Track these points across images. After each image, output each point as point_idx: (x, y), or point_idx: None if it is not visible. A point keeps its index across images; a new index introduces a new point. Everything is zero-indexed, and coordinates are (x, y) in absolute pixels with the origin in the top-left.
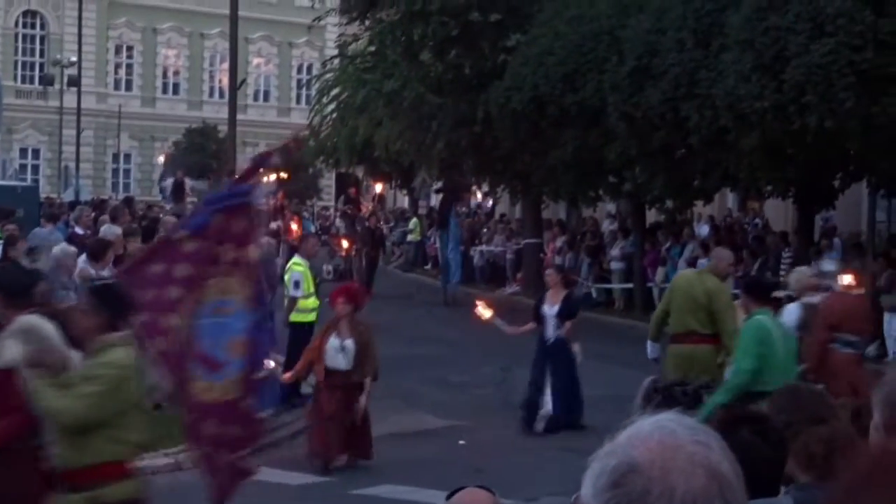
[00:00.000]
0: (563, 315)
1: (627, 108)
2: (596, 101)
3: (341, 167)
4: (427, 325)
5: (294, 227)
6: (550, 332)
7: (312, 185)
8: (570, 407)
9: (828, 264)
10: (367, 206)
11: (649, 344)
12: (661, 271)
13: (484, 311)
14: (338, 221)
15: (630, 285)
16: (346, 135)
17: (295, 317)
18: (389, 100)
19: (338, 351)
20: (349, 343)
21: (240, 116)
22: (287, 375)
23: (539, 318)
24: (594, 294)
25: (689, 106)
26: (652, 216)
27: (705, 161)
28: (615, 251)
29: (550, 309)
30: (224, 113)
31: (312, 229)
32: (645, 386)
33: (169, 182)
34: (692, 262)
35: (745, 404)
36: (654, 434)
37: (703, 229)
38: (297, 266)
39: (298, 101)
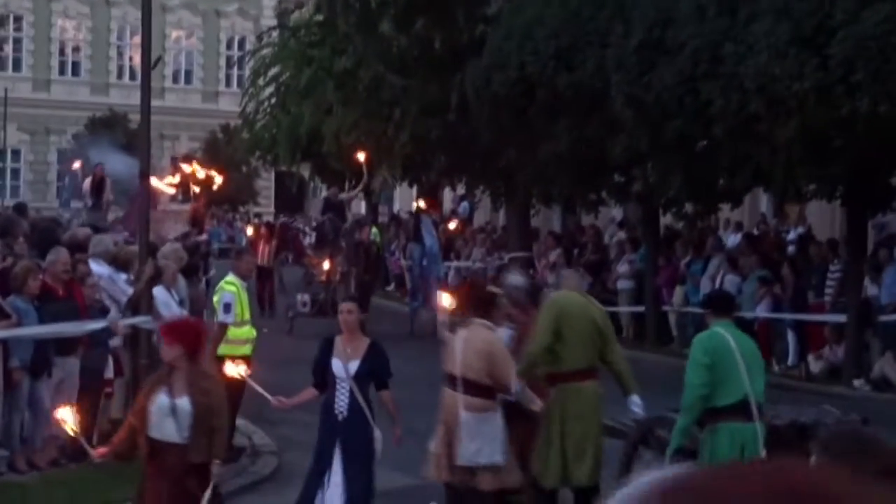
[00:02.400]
0: (366, 378)
1: (635, 91)
2: (597, 83)
3: (281, 165)
4: (307, 342)
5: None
6: (343, 402)
7: (247, 188)
8: None
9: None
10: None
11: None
12: (678, 291)
13: (233, 370)
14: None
15: (640, 308)
16: (288, 125)
17: (225, 349)
18: (341, 81)
19: (165, 414)
20: (183, 404)
21: (155, 103)
22: (99, 451)
23: (324, 381)
24: None
25: (711, 88)
26: (667, 223)
27: (732, 156)
28: (622, 267)
29: (345, 367)
30: (136, 98)
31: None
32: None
33: (86, 183)
34: (717, 280)
35: (710, 420)
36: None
37: (731, 239)
38: (230, 286)
39: (228, 83)
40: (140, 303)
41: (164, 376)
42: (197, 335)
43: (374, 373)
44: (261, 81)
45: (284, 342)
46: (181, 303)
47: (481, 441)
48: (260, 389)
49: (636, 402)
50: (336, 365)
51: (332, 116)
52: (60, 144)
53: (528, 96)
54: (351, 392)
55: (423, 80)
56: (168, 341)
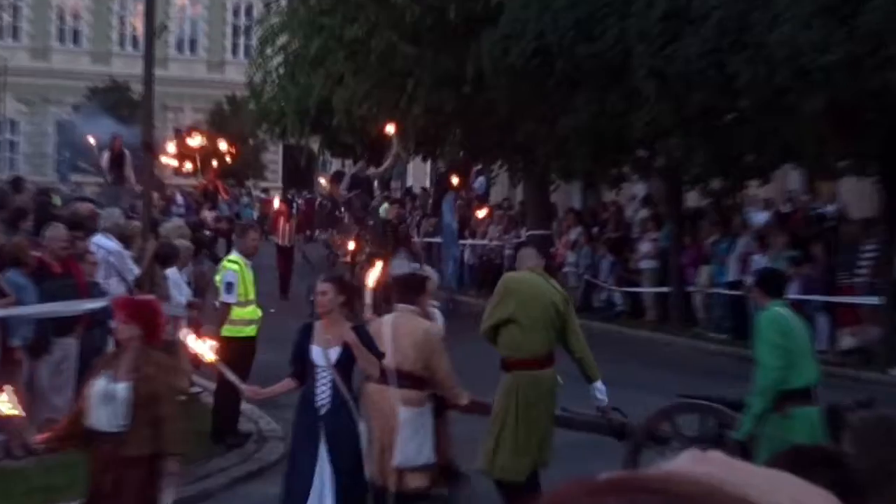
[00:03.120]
0: (349, 366)
1: (658, 63)
2: (618, 54)
3: (290, 138)
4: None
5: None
6: (325, 393)
7: (253, 162)
8: None
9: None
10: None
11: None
12: (704, 271)
13: (203, 350)
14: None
15: (664, 289)
16: (297, 96)
17: (228, 330)
18: (352, 51)
19: (101, 400)
20: (120, 389)
21: (159, 72)
22: (38, 438)
23: (303, 370)
24: (618, 301)
25: (737, 59)
26: (692, 200)
27: (759, 130)
28: (645, 246)
29: (325, 354)
30: (138, 68)
31: (254, 216)
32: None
33: (104, 157)
34: (745, 260)
35: (783, 405)
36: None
37: (759, 217)
38: (232, 264)
39: (234, 52)
40: (143, 282)
41: (112, 358)
42: (154, 315)
43: (353, 360)
44: (269, 51)
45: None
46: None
47: (420, 439)
48: (232, 377)
49: (600, 389)
50: (315, 352)
51: (342, 87)
52: (60, 116)
53: (546, 68)
54: (333, 382)
55: (437, 49)
56: (124, 319)
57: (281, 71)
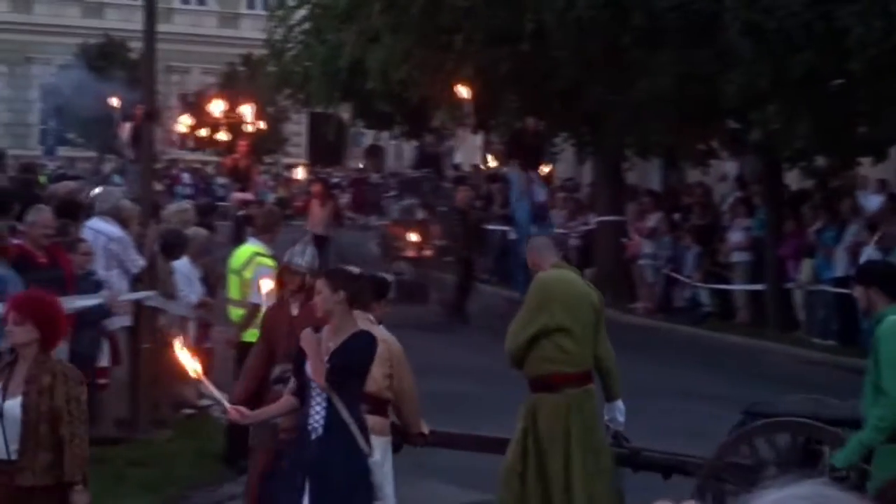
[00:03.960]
0: (345, 379)
1: (755, 16)
2: (707, 5)
3: (316, 105)
4: (447, 348)
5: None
6: (318, 414)
7: (273, 133)
8: None
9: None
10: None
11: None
12: (807, 265)
13: (187, 363)
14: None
15: (759, 287)
16: (324, 56)
17: (252, 335)
18: (390, 3)
19: None
20: (11, 407)
21: (162, 27)
22: None
23: (302, 387)
24: (705, 301)
25: (847, 12)
26: (794, 181)
27: (874, 97)
28: (736, 235)
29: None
30: (137, 22)
31: (270, 198)
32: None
33: (125, 129)
34: (855, 251)
35: None
36: None
37: (872, 201)
38: (264, 258)
39: (251, 4)
40: (146, 275)
41: (2, 368)
42: (56, 315)
43: (349, 369)
44: (291, 2)
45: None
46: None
47: (384, 474)
48: (216, 394)
49: (621, 410)
50: (311, 365)
51: (378, 46)
52: (44, 78)
53: (620, 21)
54: (328, 401)
55: (490, 0)
56: (19, 319)
57: (305, 26)
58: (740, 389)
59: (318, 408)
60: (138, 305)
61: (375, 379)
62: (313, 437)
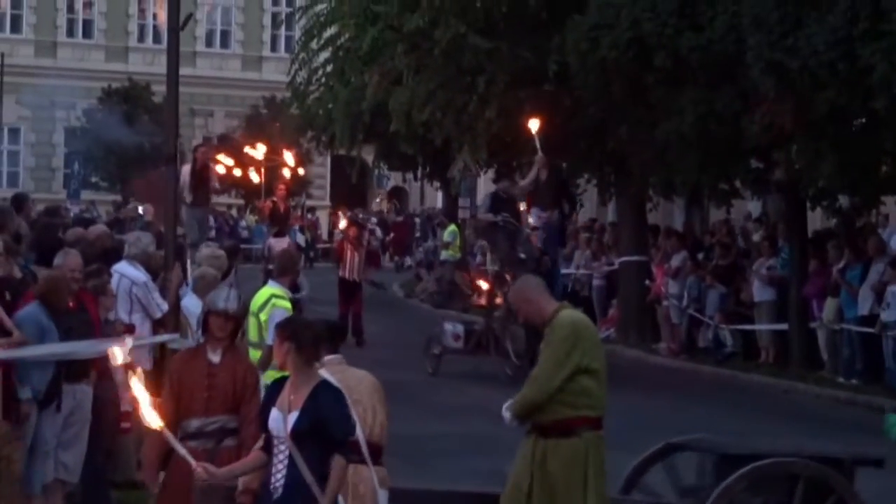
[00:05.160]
0: (310, 438)
1: (778, 56)
2: (729, 46)
3: (339, 147)
4: (468, 387)
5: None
6: (279, 473)
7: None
8: None
9: None
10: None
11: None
12: (830, 304)
13: (150, 416)
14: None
15: (783, 326)
16: (347, 98)
17: (270, 375)
18: (413, 44)
19: None
20: None
21: (185, 71)
22: None
23: (268, 441)
24: (728, 340)
25: (871, 50)
26: (817, 220)
27: None
28: (760, 274)
29: (285, 419)
30: (161, 66)
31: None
32: None
33: (185, 172)
34: (880, 291)
35: None
36: None
37: None
38: (281, 300)
39: (274, 47)
40: (169, 319)
41: None
42: None
43: (318, 429)
44: (314, 44)
45: (423, 386)
46: None
47: None
48: (180, 450)
49: None
50: (273, 417)
51: (401, 87)
52: (69, 122)
53: (643, 62)
54: (290, 458)
55: (513, 41)
56: None
57: (328, 68)
58: (764, 428)
59: (279, 465)
60: (161, 348)
61: (382, 425)
62: (274, 496)
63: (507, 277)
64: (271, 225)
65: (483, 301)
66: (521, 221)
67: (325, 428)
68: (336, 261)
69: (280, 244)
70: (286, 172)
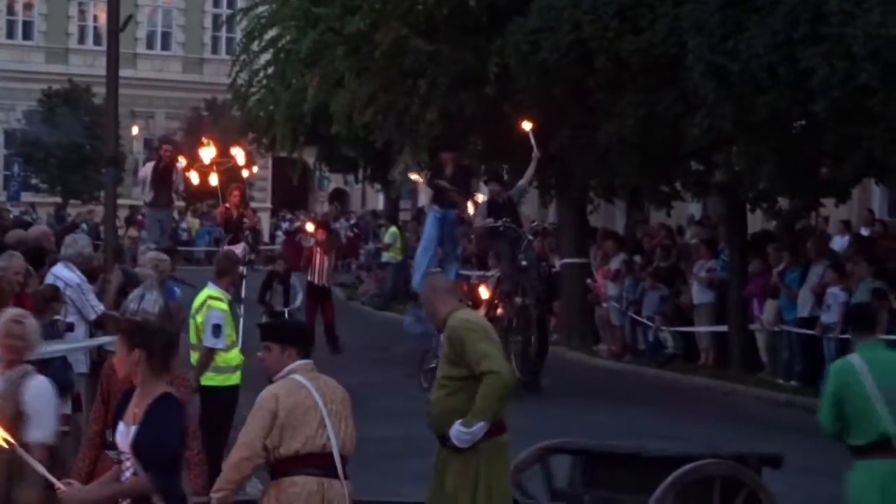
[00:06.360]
0: (151, 454)
1: (718, 58)
2: (670, 48)
3: (281, 150)
4: (414, 390)
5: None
6: None
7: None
8: None
9: None
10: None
11: None
12: (770, 306)
13: None
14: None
15: (723, 328)
16: (288, 100)
17: (212, 378)
18: (354, 47)
19: None
20: None
21: (125, 72)
22: None
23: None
24: (668, 343)
25: (811, 54)
26: (758, 223)
27: (837, 138)
28: (700, 276)
29: (127, 433)
30: (101, 67)
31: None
32: None
33: (146, 170)
34: (819, 292)
35: None
36: None
37: (837, 242)
38: (217, 302)
39: (215, 49)
40: (107, 320)
41: None
42: None
43: (154, 445)
44: (255, 46)
45: (365, 389)
46: None
47: None
48: (42, 471)
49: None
50: (120, 431)
51: (342, 90)
52: (9, 124)
53: (584, 65)
54: (133, 474)
55: (454, 44)
56: None
57: (269, 70)
58: (704, 430)
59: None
60: (100, 351)
61: (353, 440)
62: None
63: (508, 287)
64: (225, 231)
65: (482, 312)
66: (520, 226)
67: (155, 442)
68: (305, 266)
69: (236, 250)
70: (244, 174)
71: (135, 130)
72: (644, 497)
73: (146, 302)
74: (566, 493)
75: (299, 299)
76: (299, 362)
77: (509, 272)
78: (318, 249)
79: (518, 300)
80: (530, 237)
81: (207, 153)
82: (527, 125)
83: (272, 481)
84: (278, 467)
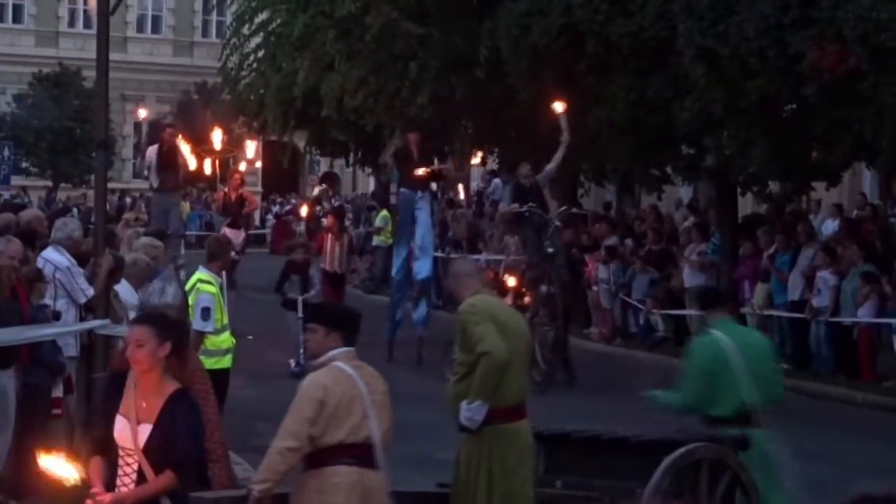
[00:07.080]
0: (160, 449)
1: (709, 43)
2: (661, 32)
3: (271, 133)
4: (400, 374)
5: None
6: (126, 487)
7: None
8: None
9: None
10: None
11: None
12: (761, 289)
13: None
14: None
15: None
16: (279, 84)
17: (205, 362)
18: (344, 30)
19: None
20: None
21: (115, 56)
22: None
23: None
24: (659, 326)
25: (801, 38)
26: (748, 206)
27: (827, 122)
28: (691, 259)
29: (131, 430)
30: (92, 51)
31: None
32: None
33: (151, 154)
34: (810, 276)
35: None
36: None
37: (828, 226)
38: (207, 285)
39: (205, 32)
40: (97, 304)
41: None
42: None
43: (167, 445)
44: (245, 30)
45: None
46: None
47: None
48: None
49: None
50: (120, 427)
51: (333, 73)
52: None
53: (575, 49)
54: (140, 475)
55: (445, 28)
56: None
57: (260, 54)
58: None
59: (126, 479)
60: (90, 335)
61: (390, 429)
62: None
63: (534, 274)
64: (224, 215)
65: (509, 301)
66: (547, 211)
67: (173, 444)
68: (317, 252)
69: (235, 235)
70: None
71: (143, 113)
72: (629, 483)
73: (167, 295)
74: (542, 479)
75: (316, 289)
76: (342, 349)
77: (535, 259)
78: (330, 236)
79: (543, 288)
80: (557, 223)
81: (217, 137)
82: (559, 106)
83: (310, 470)
84: (318, 456)
